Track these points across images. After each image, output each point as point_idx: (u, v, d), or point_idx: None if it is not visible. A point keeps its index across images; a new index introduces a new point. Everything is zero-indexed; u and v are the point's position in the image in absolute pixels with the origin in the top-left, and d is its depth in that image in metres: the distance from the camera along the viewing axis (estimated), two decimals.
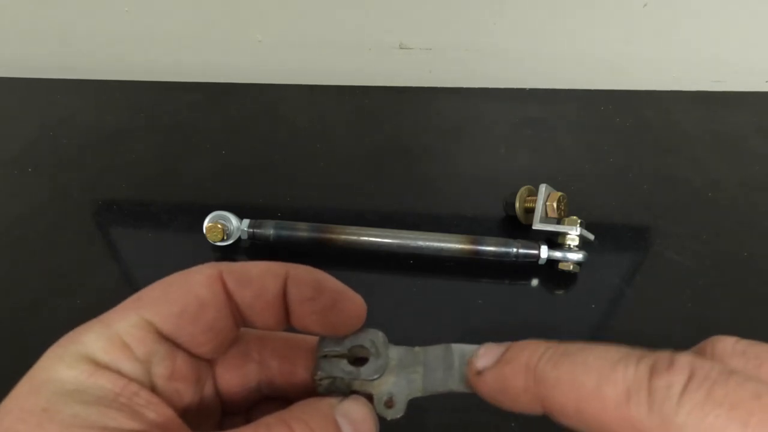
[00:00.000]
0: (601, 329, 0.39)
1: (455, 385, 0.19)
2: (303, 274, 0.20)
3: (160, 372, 0.18)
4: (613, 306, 0.40)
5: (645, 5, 0.57)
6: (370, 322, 0.21)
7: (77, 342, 0.17)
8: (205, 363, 0.20)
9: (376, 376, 0.20)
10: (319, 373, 0.20)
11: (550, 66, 0.62)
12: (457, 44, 0.61)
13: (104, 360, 0.17)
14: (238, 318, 0.20)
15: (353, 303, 0.20)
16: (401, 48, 0.62)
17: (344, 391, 0.20)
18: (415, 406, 0.19)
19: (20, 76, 0.65)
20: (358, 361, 0.20)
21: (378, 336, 0.20)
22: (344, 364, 0.20)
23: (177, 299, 0.18)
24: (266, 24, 0.62)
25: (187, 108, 0.60)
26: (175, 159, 0.54)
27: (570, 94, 0.60)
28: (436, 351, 0.20)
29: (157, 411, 0.17)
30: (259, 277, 0.19)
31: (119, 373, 0.17)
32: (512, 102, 0.59)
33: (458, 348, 0.20)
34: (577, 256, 0.40)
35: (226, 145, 0.55)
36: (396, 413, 0.19)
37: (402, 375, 0.20)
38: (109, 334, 0.17)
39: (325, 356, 0.20)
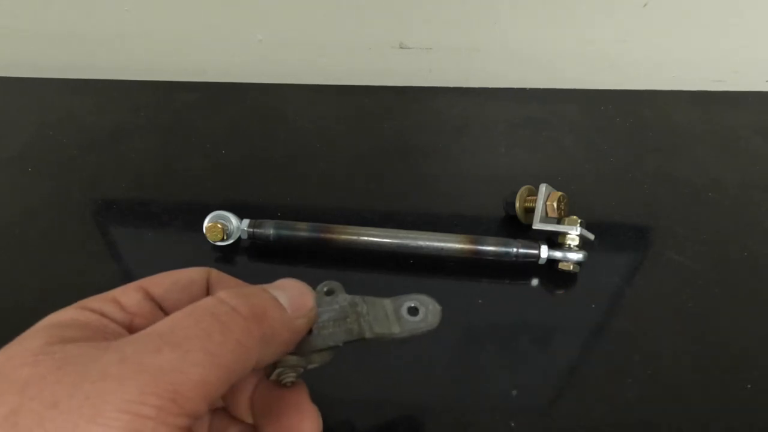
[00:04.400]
0: (601, 329, 0.39)
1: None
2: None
3: (140, 325, 0.20)
4: (613, 306, 0.40)
5: (645, 5, 0.57)
6: None
7: (81, 302, 0.20)
8: None
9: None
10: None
11: (550, 66, 0.62)
12: (457, 44, 0.61)
13: (92, 305, 0.20)
14: None
15: None
16: (401, 48, 0.62)
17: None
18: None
19: (20, 75, 0.65)
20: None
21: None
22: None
23: (172, 274, 0.23)
24: (266, 24, 0.62)
25: (187, 108, 0.60)
26: (175, 158, 0.54)
27: (570, 94, 0.60)
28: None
29: (120, 334, 0.19)
30: (237, 282, 0.25)
31: (101, 314, 0.20)
32: (512, 102, 0.59)
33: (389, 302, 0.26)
34: (577, 256, 0.40)
35: (226, 145, 0.55)
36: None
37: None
38: (107, 295, 0.21)
39: None
